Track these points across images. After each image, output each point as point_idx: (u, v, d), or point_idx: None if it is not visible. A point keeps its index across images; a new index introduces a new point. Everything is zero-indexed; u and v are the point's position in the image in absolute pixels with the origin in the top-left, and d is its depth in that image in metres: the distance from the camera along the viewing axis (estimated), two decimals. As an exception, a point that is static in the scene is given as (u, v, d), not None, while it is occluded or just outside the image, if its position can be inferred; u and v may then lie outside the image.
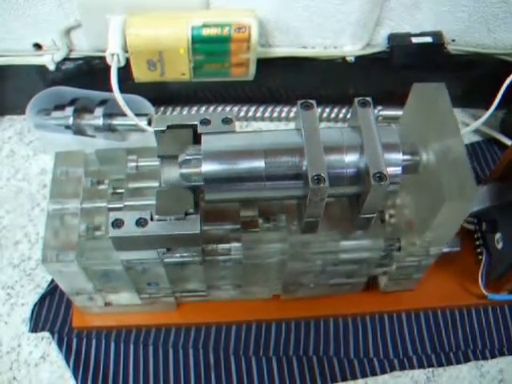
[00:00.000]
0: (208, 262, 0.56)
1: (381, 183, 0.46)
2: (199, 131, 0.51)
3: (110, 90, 0.72)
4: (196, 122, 0.52)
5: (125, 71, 0.74)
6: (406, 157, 0.52)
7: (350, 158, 0.48)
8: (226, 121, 0.52)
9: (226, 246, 0.55)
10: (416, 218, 0.56)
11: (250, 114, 0.87)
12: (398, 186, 0.50)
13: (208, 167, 0.48)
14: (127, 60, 0.73)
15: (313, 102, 0.49)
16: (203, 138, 0.50)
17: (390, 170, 0.47)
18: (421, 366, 0.68)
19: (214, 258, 0.56)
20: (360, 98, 0.50)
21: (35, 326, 0.68)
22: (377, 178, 0.46)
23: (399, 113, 0.86)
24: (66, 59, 0.79)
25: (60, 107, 0.78)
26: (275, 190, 0.50)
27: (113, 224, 0.48)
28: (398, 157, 0.49)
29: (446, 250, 0.61)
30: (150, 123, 0.78)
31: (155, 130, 0.52)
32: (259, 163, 0.48)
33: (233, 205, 0.55)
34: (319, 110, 0.84)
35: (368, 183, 0.46)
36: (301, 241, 0.55)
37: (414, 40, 0.77)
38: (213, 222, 0.55)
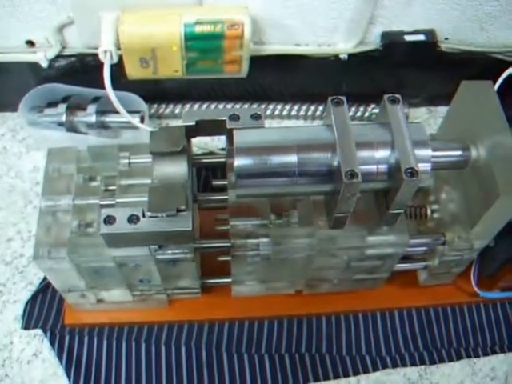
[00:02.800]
0: (236, 257, 0.56)
1: (412, 179, 0.46)
2: (228, 127, 0.52)
3: (102, 87, 0.72)
4: (225, 118, 0.52)
5: (117, 68, 0.73)
6: (457, 152, 0.53)
7: (381, 153, 0.49)
8: (255, 116, 0.52)
9: (255, 241, 0.55)
10: (463, 212, 0.57)
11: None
12: (427, 183, 0.50)
13: (241, 162, 0.48)
14: (120, 57, 0.73)
15: (343, 98, 0.49)
16: (235, 132, 0.50)
17: (420, 166, 0.47)
18: (413, 364, 0.68)
19: (242, 253, 0.56)
20: (390, 95, 0.50)
21: (27, 323, 0.68)
22: (408, 173, 0.46)
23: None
24: (58, 56, 0.78)
25: (53, 104, 0.78)
26: (306, 185, 0.50)
27: (105, 221, 0.49)
28: (428, 153, 0.49)
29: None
30: (142, 120, 0.78)
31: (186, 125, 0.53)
32: (292, 158, 0.48)
33: (261, 200, 0.55)
34: (312, 108, 0.84)
35: (400, 179, 0.47)
36: (328, 236, 0.55)
37: (407, 38, 0.77)
38: (241, 217, 0.55)
